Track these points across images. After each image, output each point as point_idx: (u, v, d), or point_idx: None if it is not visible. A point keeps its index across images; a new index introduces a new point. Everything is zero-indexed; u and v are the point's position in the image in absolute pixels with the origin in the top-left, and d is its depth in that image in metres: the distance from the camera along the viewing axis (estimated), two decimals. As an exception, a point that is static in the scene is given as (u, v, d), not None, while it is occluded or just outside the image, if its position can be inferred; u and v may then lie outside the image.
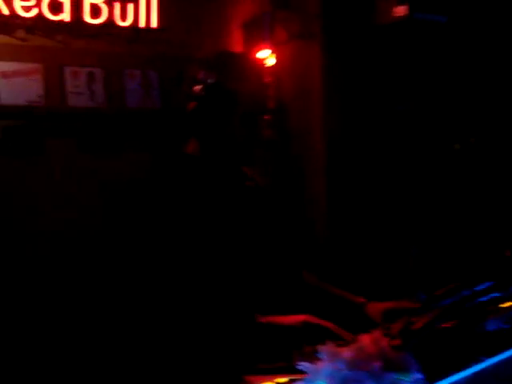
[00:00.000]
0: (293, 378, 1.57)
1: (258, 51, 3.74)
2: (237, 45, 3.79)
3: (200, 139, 1.85)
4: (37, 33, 3.11)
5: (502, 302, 1.96)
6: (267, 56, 3.70)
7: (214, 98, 1.79)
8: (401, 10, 3.05)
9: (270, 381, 1.59)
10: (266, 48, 3.72)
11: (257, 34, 3.80)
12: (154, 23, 3.30)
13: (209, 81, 1.79)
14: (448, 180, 3.55)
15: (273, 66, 3.67)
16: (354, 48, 3.56)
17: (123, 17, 3.20)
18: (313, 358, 1.35)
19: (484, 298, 1.65)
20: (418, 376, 1.34)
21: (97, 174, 3.24)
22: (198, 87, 1.81)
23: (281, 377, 1.61)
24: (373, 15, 3.34)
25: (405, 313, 1.86)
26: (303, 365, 1.37)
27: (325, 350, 1.35)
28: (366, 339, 1.37)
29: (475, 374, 1.47)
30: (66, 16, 3.05)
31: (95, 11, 3.14)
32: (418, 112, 3.58)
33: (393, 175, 3.49)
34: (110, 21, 3.18)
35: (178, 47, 3.53)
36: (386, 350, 1.35)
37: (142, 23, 3.26)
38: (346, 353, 1.32)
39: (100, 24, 3.16)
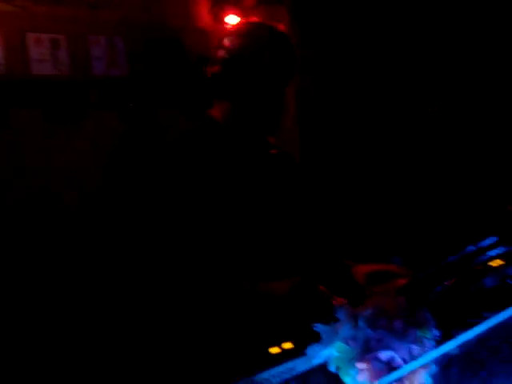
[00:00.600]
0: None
1: (225, 17, 3.66)
2: (203, 10, 3.69)
3: (230, 101, 1.88)
4: (-5, -3, 2.93)
5: (492, 260, 1.96)
6: (235, 21, 3.61)
7: (237, 63, 1.85)
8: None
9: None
10: (233, 13, 3.63)
11: (224, -1, 3.71)
12: (119, -14, 3.17)
13: (233, 46, 1.87)
14: (425, 149, 3.55)
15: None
16: (321, 12, 3.51)
17: (88, -20, 3.06)
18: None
19: (490, 254, 1.64)
20: (436, 333, 1.31)
21: (65, 143, 3.10)
22: (221, 52, 1.88)
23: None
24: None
25: (390, 275, 1.87)
26: (319, 326, 1.33)
27: (343, 309, 1.31)
28: (382, 297, 1.33)
29: (484, 332, 1.46)
30: (27, -22, 2.90)
31: (58, -26, 2.99)
32: (389, 75, 3.57)
33: (366, 152, 3.48)
34: (74, -16, 3.04)
35: (143, 13, 3.41)
36: (405, 306, 1.32)
37: (107, -13, 3.12)
38: (366, 311, 1.28)
39: (63, -13, 3.01)
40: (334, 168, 3.52)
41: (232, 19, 3.60)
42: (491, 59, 3.44)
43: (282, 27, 1.95)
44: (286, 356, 1.51)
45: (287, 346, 1.55)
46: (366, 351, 1.25)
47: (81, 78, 3.16)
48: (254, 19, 2.12)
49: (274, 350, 1.53)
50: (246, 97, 1.88)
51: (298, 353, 1.45)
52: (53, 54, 3.08)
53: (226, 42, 1.91)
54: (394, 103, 3.69)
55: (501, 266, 2.04)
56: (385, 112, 3.68)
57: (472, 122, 3.53)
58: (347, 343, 1.27)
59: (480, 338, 1.41)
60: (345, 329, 1.27)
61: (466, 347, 1.38)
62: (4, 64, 2.94)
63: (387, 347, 1.24)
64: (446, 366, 1.32)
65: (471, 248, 1.62)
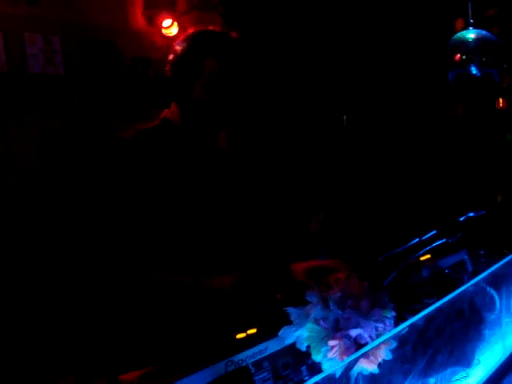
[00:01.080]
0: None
1: (160, 21, 3.72)
2: (137, 13, 3.74)
3: (180, 105, 1.97)
4: None
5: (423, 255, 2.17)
6: (170, 25, 3.69)
7: (184, 66, 1.94)
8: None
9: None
10: (167, 17, 3.71)
11: (157, 3, 3.77)
12: (57, -15, 3.17)
13: (181, 51, 1.95)
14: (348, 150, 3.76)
15: (176, 35, 3.67)
16: (252, 19, 3.64)
17: (27, -23, 3.05)
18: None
19: (433, 245, 1.82)
20: (393, 313, 1.47)
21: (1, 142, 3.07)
22: (171, 56, 1.97)
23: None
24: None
25: (328, 270, 1.99)
26: (290, 309, 1.45)
27: (313, 293, 1.43)
28: (348, 282, 1.47)
29: (429, 315, 1.64)
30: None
31: (-4, -32, 2.96)
32: (311, 83, 3.75)
33: (297, 144, 3.64)
34: (14, -20, 3.02)
35: (78, 13, 3.43)
36: (368, 290, 1.46)
37: (46, -16, 3.12)
38: (336, 294, 1.42)
39: (3, -17, 2.99)
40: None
41: (166, 23, 3.67)
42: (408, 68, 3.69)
43: (234, 35, 2.05)
44: (251, 340, 1.63)
45: (251, 331, 1.67)
46: (336, 330, 1.39)
47: (17, 76, 3.13)
48: (188, 23, 2.20)
49: (240, 335, 1.64)
50: (191, 100, 1.95)
51: (264, 336, 1.57)
52: (-12, 50, 3.04)
53: (176, 46, 1.99)
54: (315, 109, 3.88)
55: (429, 259, 2.26)
56: (305, 117, 3.86)
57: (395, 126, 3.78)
58: (318, 323, 1.40)
59: (427, 320, 1.59)
60: (316, 310, 1.40)
61: (416, 327, 1.55)
62: None
63: (356, 326, 1.38)
64: (401, 342, 1.48)
65: (415, 240, 1.80)
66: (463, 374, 1.79)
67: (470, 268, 2.43)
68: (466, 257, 2.44)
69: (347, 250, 2.13)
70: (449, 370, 1.72)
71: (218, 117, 2.00)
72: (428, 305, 1.66)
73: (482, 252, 2.55)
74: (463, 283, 1.96)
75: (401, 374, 1.55)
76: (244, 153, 3.69)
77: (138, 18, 3.73)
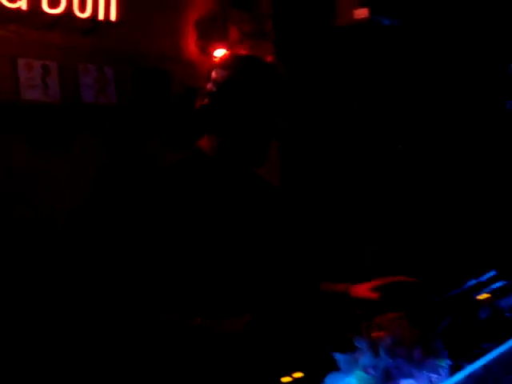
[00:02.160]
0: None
1: (212, 50, 3.73)
2: (190, 42, 3.75)
3: (218, 135, 1.88)
4: (-12, 22, 2.94)
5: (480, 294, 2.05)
6: (222, 54, 3.69)
7: (225, 95, 1.85)
8: (362, 13, 3.11)
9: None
10: (220, 47, 3.71)
11: (210, 32, 3.78)
12: (113, 16, 3.20)
13: (220, 79, 1.87)
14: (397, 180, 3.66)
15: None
16: (307, 48, 3.61)
17: (82, 8, 3.09)
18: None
19: (489, 288, 1.72)
20: (448, 362, 1.37)
21: (52, 170, 3.10)
22: (209, 85, 1.87)
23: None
24: (330, 17, 3.39)
25: (406, 287, 1.85)
26: (337, 355, 1.37)
27: (363, 339, 1.36)
28: (399, 327, 1.39)
29: (488, 363, 1.52)
30: (23, 4, 2.90)
31: (53, 0, 3.00)
32: (369, 112, 3.68)
33: (345, 176, 3.57)
34: (69, 11, 3.06)
35: (133, 43, 3.46)
36: (420, 337, 1.38)
37: (101, 15, 3.15)
38: (386, 341, 1.33)
39: (58, 14, 3.03)
40: (314, 197, 3.60)
41: (219, 52, 3.67)
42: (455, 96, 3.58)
43: (269, 59, 1.98)
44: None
45: (297, 375, 1.59)
46: (386, 379, 1.30)
47: (70, 105, 3.17)
48: (242, 52, 2.12)
49: (286, 380, 1.56)
50: (232, 130, 1.87)
51: (311, 381, 1.49)
52: (43, 80, 3.09)
53: (214, 74, 1.90)
54: (369, 138, 3.81)
55: (488, 298, 2.13)
56: (360, 146, 3.80)
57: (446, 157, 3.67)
58: (367, 372, 1.32)
59: (486, 369, 1.48)
60: (365, 357, 1.32)
61: (474, 377, 1.44)
62: (-5, 88, 2.94)
63: (407, 375, 1.29)
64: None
65: (472, 282, 1.70)
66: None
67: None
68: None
69: (399, 287, 2.00)
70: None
71: (255, 150, 1.91)
72: (487, 350, 1.55)
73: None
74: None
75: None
76: (297, 184, 3.64)
77: (191, 48, 3.75)
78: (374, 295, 1.84)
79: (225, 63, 1.94)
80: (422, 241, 3.34)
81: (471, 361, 1.44)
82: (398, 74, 3.50)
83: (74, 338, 2.97)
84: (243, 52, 2.05)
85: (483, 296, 2.11)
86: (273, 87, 1.91)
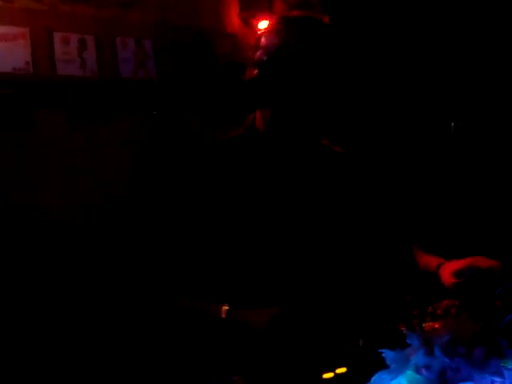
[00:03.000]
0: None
1: (256, 22, 3.56)
2: (233, 14, 3.59)
3: (272, 108, 1.69)
4: (22, -6, 2.84)
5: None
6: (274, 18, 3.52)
7: (276, 63, 1.64)
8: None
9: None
10: (264, 19, 3.54)
11: (254, 3, 3.62)
12: (150, -14, 3.08)
13: (271, 46, 1.66)
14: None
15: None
16: (354, 19, 3.41)
17: (121, -21, 2.98)
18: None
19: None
20: (513, 364, 1.19)
21: (90, 145, 3.01)
22: (258, 53, 1.67)
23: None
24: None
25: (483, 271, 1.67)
26: (387, 352, 1.21)
27: (415, 334, 1.19)
28: (458, 322, 1.22)
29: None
30: (58, -25, 2.81)
31: (91, -28, 2.90)
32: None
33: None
34: (107, -17, 2.95)
35: (171, 14, 3.32)
36: (483, 333, 1.20)
37: (139, -14, 3.04)
38: (443, 338, 1.16)
39: (95, -14, 2.93)
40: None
41: (263, 24, 3.50)
42: None
43: (326, 19, 1.77)
44: (339, 381, 1.41)
45: (340, 370, 1.44)
46: (442, 382, 1.14)
47: (108, 81, 3.06)
48: (294, 13, 1.89)
49: (327, 375, 1.42)
50: (288, 102, 1.67)
51: (355, 378, 1.34)
52: (80, 54, 2.98)
53: (264, 40, 1.70)
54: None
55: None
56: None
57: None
58: (420, 372, 1.15)
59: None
60: (418, 356, 1.16)
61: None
62: (31, 63, 2.84)
63: (466, 378, 1.12)
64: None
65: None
66: None
67: None
68: None
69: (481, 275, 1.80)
70: None
71: (320, 120, 1.71)
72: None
73: None
74: None
75: None
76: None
77: (234, 20, 3.59)
78: (452, 280, 1.66)
79: (276, 27, 1.71)
80: (480, 228, 3.13)
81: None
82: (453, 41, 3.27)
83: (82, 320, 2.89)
84: (296, 12, 1.80)
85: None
86: (331, 51, 1.67)
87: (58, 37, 2.94)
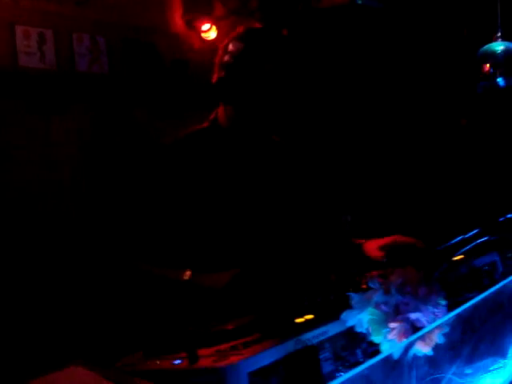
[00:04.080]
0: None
1: (198, 24, 3.86)
2: (177, 17, 3.87)
3: (235, 106, 1.99)
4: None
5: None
6: (208, 29, 3.82)
7: (242, 67, 1.96)
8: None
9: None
10: (206, 22, 3.84)
11: (196, 7, 3.91)
12: (108, -12, 3.31)
13: (237, 51, 1.97)
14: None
15: (214, 38, 3.80)
16: (290, 27, 3.76)
17: (79, -21, 3.19)
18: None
19: (474, 243, 1.95)
20: (444, 302, 1.59)
21: (46, 135, 3.21)
22: (226, 57, 1.98)
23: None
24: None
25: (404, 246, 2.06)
26: (352, 294, 1.58)
27: (375, 279, 1.56)
28: (407, 270, 1.60)
29: (476, 304, 1.76)
30: (21, -28, 2.99)
31: (52, -30, 3.10)
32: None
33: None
34: (66, -18, 3.16)
35: (124, 15, 3.56)
36: (424, 278, 1.59)
37: (96, -14, 3.26)
38: (396, 281, 1.54)
39: (56, -16, 3.13)
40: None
41: (205, 26, 3.81)
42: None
43: (284, 31, 2.11)
44: (309, 324, 1.74)
45: (309, 317, 1.78)
46: (396, 314, 1.51)
47: (65, 73, 3.27)
48: (256, 24, 2.22)
49: (299, 320, 1.76)
50: (249, 100, 1.97)
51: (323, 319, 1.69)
52: (40, 47, 3.17)
53: (231, 46, 1.99)
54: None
55: (463, 259, 2.39)
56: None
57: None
58: (379, 308, 1.53)
59: (472, 310, 1.72)
60: (378, 295, 1.53)
61: (462, 316, 1.68)
62: (-6, 54, 3.01)
63: (414, 310, 1.51)
64: (451, 328, 1.60)
65: (459, 238, 1.93)
66: (500, 364, 1.91)
67: (500, 269, 2.55)
68: (497, 258, 2.56)
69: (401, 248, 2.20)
70: (489, 360, 1.85)
71: (275, 118, 2.03)
72: (469, 298, 1.79)
73: (510, 255, 2.68)
74: (497, 281, 2.08)
75: (448, 359, 1.68)
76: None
77: (178, 21, 3.87)
78: (380, 254, 2.04)
79: (241, 35, 2.01)
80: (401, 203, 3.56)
81: (456, 306, 1.68)
82: (377, 53, 3.68)
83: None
84: (258, 24, 2.13)
85: (459, 257, 2.36)
86: (286, 57, 2.00)
87: (19, 30, 3.11)
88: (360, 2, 3.29)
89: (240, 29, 2.03)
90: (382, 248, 2.06)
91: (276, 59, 2.00)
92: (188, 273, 1.89)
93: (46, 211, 3.20)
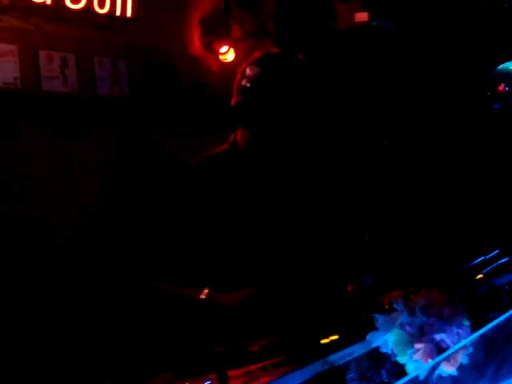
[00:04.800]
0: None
1: (216, 46, 3.92)
2: (195, 39, 3.94)
3: (252, 129, 2.05)
4: (11, 14, 3.08)
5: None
6: (226, 51, 3.89)
7: (259, 91, 2.00)
8: (363, 16, 3.34)
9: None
10: (224, 44, 3.90)
11: (213, 30, 3.98)
12: (129, 13, 3.38)
13: (254, 75, 2.02)
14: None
15: (232, 61, 3.86)
16: (307, 48, 3.82)
17: (101, 4, 3.26)
18: None
19: (494, 264, 1.97)
20: (467, 323, 1.62)
21: (71, 158, 3.27)
22: (243, 81, 2.04)
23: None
24: (330, 20, 3.62)
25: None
26: (377, 315, 1.61)
27: (400, 300, 1.59)
28: (431, 291, 1.63)
29: (499, 324, 1.78)
30: (47, -2, 3.07)
31: (76, -4, 3.18)
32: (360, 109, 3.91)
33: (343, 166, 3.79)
34: (88, 7, 3.22)
35: (143, 38, 3.64)
36: (447, 300, 1.62)
37: (118, 12, 3.33)
38: (421, 302, 1.57)
39: (79, 9, 3.19)
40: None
41: (223, 49, 3.87)
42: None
43: (300, 56, 2.16)
44: (334, 345, 1.77)
45: (334, 337, 1.81)
46: (421, 335, 1.54)
47: (87, 97, 3.34)
48: (274, 49, 2.27)
49: (325, 341, 1.79)
50: (266, 124, 2.03)
51: (347, 340, 1.72)
52: (62, 71, 3.24)
53: (248, 71, 2.04)
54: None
55: (483, 278, 2.40)
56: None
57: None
58: (404, 329, 1.55)
59: (496, 330, 1.74)
60: (403, 316, 1.56)
61: (487, 335, 1.70)
62: (19, 79, 3.08)
63: (439, 331, 1.53)
64: (476, 348, 1.62)
65: (480, 259, 1.95)
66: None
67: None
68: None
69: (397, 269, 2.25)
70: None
71: (293, 141, 2.10)
72: (490, 318, 1.81)
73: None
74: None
75: (472, 379, 1.70)
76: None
77: (196, 44, 3.93)
78: None
79: (258, 60, 2.06)
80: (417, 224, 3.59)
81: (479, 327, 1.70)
82: (392, 74, 3.73)
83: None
84: (275, 49, 2.19)
85: (479, 276, 2.38)
86: (302, 82, 2.06)
87: (43, 55, 3.19)
88: (375, 24, 3.35)
89: (257, 53, 2.08)
90: None
91: (293, 84, 2.05)
92: (206, 291, 1.93)
93: (66, 236, 3.24)
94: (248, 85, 2.03)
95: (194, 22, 3.93)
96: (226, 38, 3.91)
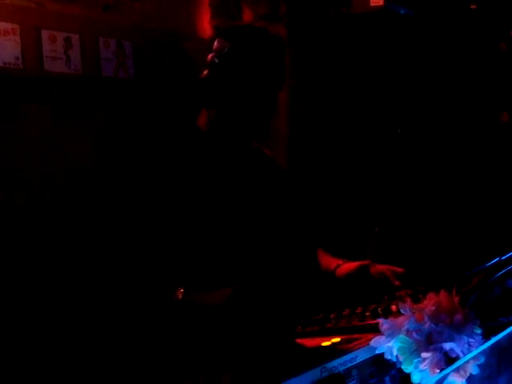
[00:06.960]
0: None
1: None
2: (205, 21, 3.82)
3: (213, 109, 1.87)
4: (13, -9, 2.98)
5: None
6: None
7: (226, 66, 1.82)
8: (378, 0, 3.21)
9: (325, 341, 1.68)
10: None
11: (224, 12, 3.85)
12: (135, -7, 3.27)
13: (223, 50, 1.84)
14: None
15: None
16: (320, 33, 3.70)
17: (107, -17, 3.16)
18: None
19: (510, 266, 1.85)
20: (479, 331, 1.50)
21: (70, 141, 3.17)
22: (210, 55, 1.86)
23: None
24: (344, 3, 3.49)
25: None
26: (383, 320, 1.49)
27: (407, 305, 1.48)
28: (441, 295, 1.51)
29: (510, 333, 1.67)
30: (50, -23, 2.96)
31: (80, -26, 3.07)
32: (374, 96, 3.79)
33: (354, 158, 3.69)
34: (94, -14, 3.12)
35: (150, 19, 3.52)
36: (458, 305, 1.50)
37: (124, -9, 3.22)
38: (430, 308, 1.46)
39: (83, -12, 3.09)
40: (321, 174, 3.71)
41: (233, 32, 3.74)
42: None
43: (281, 32, 1.96)
44: (335, 348, 1.67)
45: (335, 340, 1.71)
46: (429, 343, 1.43)
47: (91, 78, 3.23)
48: (245, 23, 2.08)
49: (326, 344, 1.69)
50: (232, 102, 1.84)
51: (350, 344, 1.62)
52: (66, 52, 3.14)
53: (216, 44, 1.86)
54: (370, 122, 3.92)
55: (496, 280, 2.28)
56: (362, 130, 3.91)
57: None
58: (411, 335, 1.44)
59: (509, 338, 1.63)
60: (410, 322, 1.44)
61: (499, 344, 1.59)
62: (20, 58, 2.98)
63: (448, 339, 1.42)
64: (487, 357, 1.51)
65: (495, 260, 1.83)
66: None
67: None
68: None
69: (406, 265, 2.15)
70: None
71: (255, 124, 1.89)
72: (506, 324, 1.70)
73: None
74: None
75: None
76: (302, 165, 3.74)
77: (205, 26, 3.81)
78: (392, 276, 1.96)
79: (227, 33, 1.89)
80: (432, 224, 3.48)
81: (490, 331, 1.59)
82: (405, 61, 3.60)
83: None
84: (248, 23, 2.00)
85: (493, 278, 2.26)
86: (275, 58, 1.85)
87: (45, 34, 3.08)
88: (392, 8, 3.22)
89: (227, 26, 1.91)
90: (348, 274, 1.96)
91: (263, 59, 1.86)
92: (181, 291, 1.79)
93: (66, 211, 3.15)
94: (216, 60, 1.85)
95: (204, 3, 3.80)
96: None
